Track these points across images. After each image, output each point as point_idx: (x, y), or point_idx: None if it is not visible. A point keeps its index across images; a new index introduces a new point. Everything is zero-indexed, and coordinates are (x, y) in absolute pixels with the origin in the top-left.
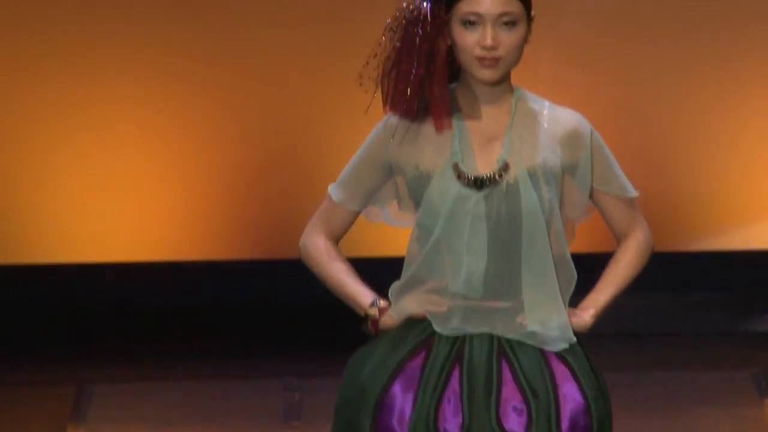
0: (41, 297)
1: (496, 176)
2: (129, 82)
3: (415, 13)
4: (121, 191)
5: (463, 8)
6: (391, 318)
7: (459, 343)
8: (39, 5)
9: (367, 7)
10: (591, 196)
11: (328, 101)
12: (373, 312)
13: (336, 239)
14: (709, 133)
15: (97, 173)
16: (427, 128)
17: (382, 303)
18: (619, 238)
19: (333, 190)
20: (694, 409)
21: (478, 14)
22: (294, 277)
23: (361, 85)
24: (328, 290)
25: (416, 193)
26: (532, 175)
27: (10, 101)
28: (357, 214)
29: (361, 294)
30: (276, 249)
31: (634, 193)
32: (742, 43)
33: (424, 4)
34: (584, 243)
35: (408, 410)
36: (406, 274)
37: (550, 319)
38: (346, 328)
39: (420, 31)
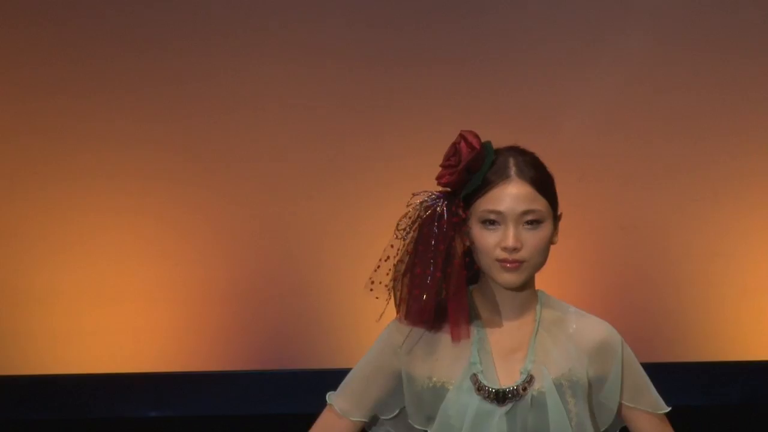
0: (36, 408)
1: (521, 389)
2: (125, 193)
3: (431, 211)
4: (115, 305)
5: (482, 206)
6: None
7: None
8: (34, 109)
9: (366, 123)
10: (619, 412)
11: (329, 220)
12: None
13: None
14: (704, 244)
15: (91, 286)
16: (443, 334)
17: None
18: None
19: (335, 400)
20: None
21: (499, 213)
22: (291, 385)
23: (371, 290)
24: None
25: (429, 406)
26: (559, 387)
27: (4, 211)
28: (359, 425)
29: None
30: (269, 361)
31: (665, 408)
32: (741, 155)
33: (441, 201)
34: None
35: None
36: None
37: None
38: None
39: (436, 231)
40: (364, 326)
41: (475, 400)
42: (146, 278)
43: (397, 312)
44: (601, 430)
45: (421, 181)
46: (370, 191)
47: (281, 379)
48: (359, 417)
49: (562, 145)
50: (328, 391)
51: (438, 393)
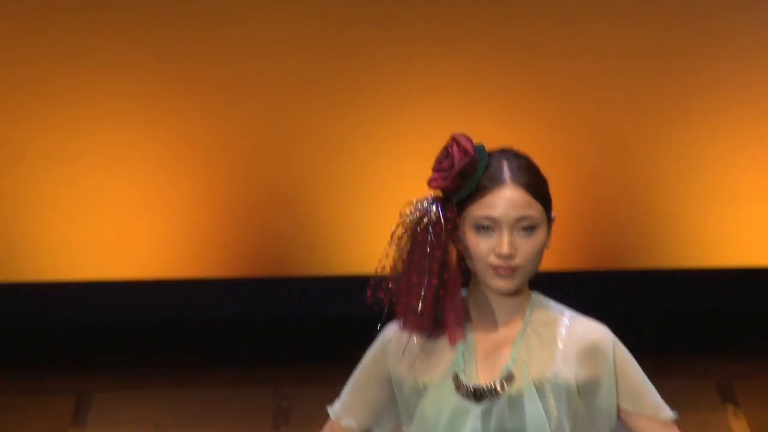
0: (44, 313)
1: (498, 388)
2: (123, 111)
3: (425, 218)
4: (120, 213)
5: (476, 211)
6: None
7: None
8: (42, 28)
9: (364, 42)
10: (619, 417)
11: (323, 132)
12: None
13: None
14: (682, 160)
15: (98, 196)
16: (432, 338)
17: None
18: None
19: (333, 409)
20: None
21: (493, 219)
22: (282, 293)
23: (371, 302)
24: (313, 306)
25: (412, 406)
26: (540, 388)
27: (13, 119)
28: None
29: None
30: (265, 267)
31: (669, 414)
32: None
33: (434, 207)
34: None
35: None
36: None
37: None
38: (332, 341)
39: (431, 238)
40: (354, 235)
41: (453, 399)
42: (144, 191)
43: (397, 321)
44: None
45: (411, 98)
46: (364, 104)
47: (271, 285)
48: (355, 425)
49: (543, 67)
50: (320, 296)
51: (421, 394)
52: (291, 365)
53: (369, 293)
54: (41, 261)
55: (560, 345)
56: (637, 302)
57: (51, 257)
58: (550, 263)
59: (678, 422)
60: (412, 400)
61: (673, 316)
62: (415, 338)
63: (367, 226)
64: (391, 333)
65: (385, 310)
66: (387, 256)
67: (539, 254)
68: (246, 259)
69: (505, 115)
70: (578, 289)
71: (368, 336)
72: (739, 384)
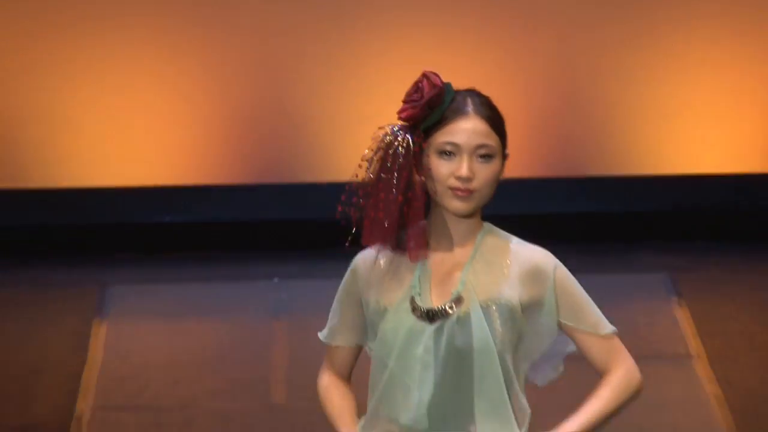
0: (72, 215)
1: (448, 309)
2: (137, 25)
3: (394, 142)
4: (139, 127)
5: (440, 138)
6: None
7: None
8: None
9: None
10: (566, 333)
11: (320, 57)
12: None
13: (343, 374)
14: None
15: (121, 113)
16: (394, 263)
17: None
18: (601, 374)
19: (323, 335)
20: (614, 306)
21: (455, 144)
22: (281, 197)
23: (338, 218)
24: (308, 209)
25: (375, 327)
26: (486, 309)
27: (33, 41)
28: (354, 349)
29: (343, 430)
30: (264, 174)
31: (608, 329)
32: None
33: (402, 132)
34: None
35: None
36: (369, 407)
37: None
38: (325, 239)
39: (399, 159)
40: (349, 143)
41: (409, 320)
42: (159, 107)
43: (363, 236)
44: (545, 349)
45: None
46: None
47: (271, 189)
48: (346, 343)
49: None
50: (315, 199)
51: (382, 315)
52: (289, 261)
53: (339, 209)
54: (72, 169)
55: (506, 269)
56: (595, 205)
57: (82, 166)
58: (519, 171)
59: (617, 335)
60: (375, 321)
61: (626, 219)
62: (381, 262)
63: (354, 138)
64: (360, 260)
65: (354, 225)
66: (356, 176)
67: (494, 182)
68: (248, 167)
69: (474, 47)
70: (546, 195)
71: (356, 235)
72: (682, 278)
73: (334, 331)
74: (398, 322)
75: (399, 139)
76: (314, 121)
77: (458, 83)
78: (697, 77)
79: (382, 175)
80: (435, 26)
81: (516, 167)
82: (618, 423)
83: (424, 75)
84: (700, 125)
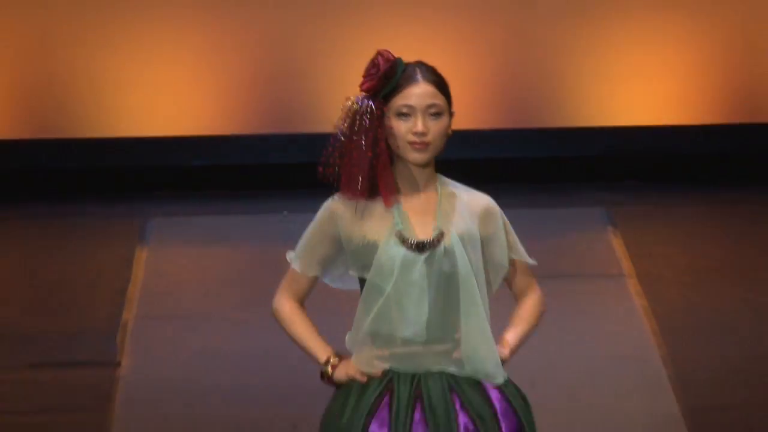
0: (119, 159)
1: (435, 241)
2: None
3: (360, 108)
4: (171, 82)
5: (397, 102)
6: (343, 372)
7: (416, 383)
8: None
9: None
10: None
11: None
12: (327, 369)
13: (301, 300)
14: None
15: (157, 70)
16: (371, 205)
17: (334, 360)
18: (518, 297)
19: (293, 261)
20: (561, 234)
21: (410, 106)
22: (290, 144)
23: (320, 176)
24: (314, 153)
25: (364, 258)
26: (462, 241)
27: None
28: (316, 279)
29: (319, 351)
30: (278, 125)
31: (532, 261)
32: None
33: (366, 101)
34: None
35: None
36: (360, 329)
37: (487, 358)
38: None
39: (366, 122)
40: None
41: (401, 251)
42: (188, 67)
43: (340, 188)
44: (497, 282)
45: None
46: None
47: (282, 138)
48: (312, 273)
49: None
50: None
51: (371, 247)
52: (297, 198)
53: (320, 170)
54: (120, 122)
55: (465, 211)
56: (546, 151)
57: (128, 119)
58: (484, 124)
59: (535, 268)
60: (365, 253)
61: (571, 163)
62: (358, 204)
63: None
64: (338, 203)
65: (333, 180)
66: (331, 141)
67: (444, 135)
68: (263, 119)
69: (444, 21)
70: (506, 142)
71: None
72: (617, 211)
73: (305, 261)
74: (392, 252)
75: (363, 106)
76: (320, 79)
77: (434, 48)
78: (630, 45)
79: (353, 137)
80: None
81: (481, 120)
82: (563, 330)
83: (379, 53)
84: (633, 85)
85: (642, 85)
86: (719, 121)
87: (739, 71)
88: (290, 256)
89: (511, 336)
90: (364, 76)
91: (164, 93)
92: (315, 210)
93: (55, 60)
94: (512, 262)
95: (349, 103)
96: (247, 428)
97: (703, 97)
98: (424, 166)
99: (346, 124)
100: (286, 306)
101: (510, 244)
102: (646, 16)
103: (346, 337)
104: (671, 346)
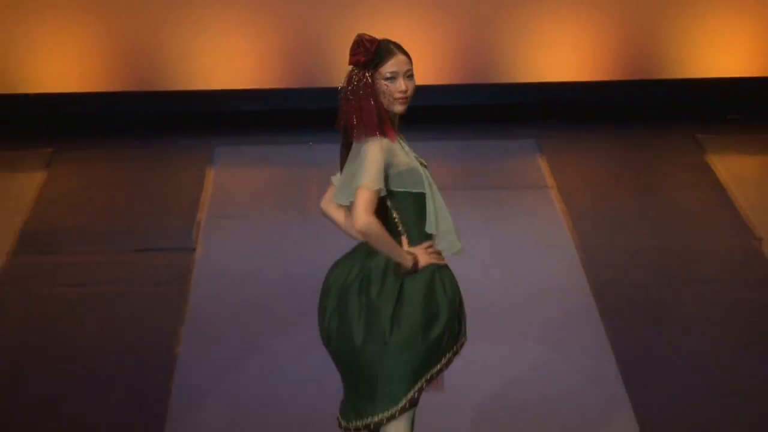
0: (193, 105)
1: (425, 163)
2: None
3: (358, 75)
4: (232, 49)
5: (384, 70)
6: (425, 260)
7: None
8: None
9: None
10: None
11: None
12: (412, 266)
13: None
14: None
15: (215, 39)
16: (395, 147)
17: (415, 257)
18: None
19: (373, 186)
20: (501, 160)
21: (394, 71)
22: (313, 95)
23: (336, 126)
24: (329, 102)
25: (407, 177)
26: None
27: None
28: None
29: (404, 253)
30: (308, 80)
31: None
32: None
33: (361, 70)
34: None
35: None
36: (430, 224)
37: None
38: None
39: (365, 80)
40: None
41: (420, 168)
42: (239, 32)
43: (369, 132)
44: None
45: None
46: None
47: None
48: (382, 192)
49: None
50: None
51: (415, 167)
52: (318, 132)
53: (336, 121)
54: (194, 76)
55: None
56: (493, 100)
57: (199, 74)
58: (444, 80)
59: (480, 180)
60: (407, 171)
61: (511, 108)
62: (388, 144)
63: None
64: (383, 141)
65: (346, 128)
66: (340, 99)
67: (413, 91)
68: (295, 76)
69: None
70: (466, 94)
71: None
72: (544, 142)
73: (378, 184)
74: (418, 169)
75: (359, 75)
76: (343, 40)
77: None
78: (553, 20)
79: (356, 96)
80: None
81: (441, 76)
82: (500, 225)
83: (359, 35)
84: (557, 46)
85: (565, 50)
86: (617, 77)
87: (634, 37)
88: (366, 185)
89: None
90: (352, 54)
91: (227, 57)
92: (332, 141)
93: (151, 29)
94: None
95: (349, 72)
96: (296, 302)
97: (605, 59)
98: (402, 115)
99: (349, 88)
100: (376, 222)
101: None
102: None
103: (404, 240)
104: (583, 238)
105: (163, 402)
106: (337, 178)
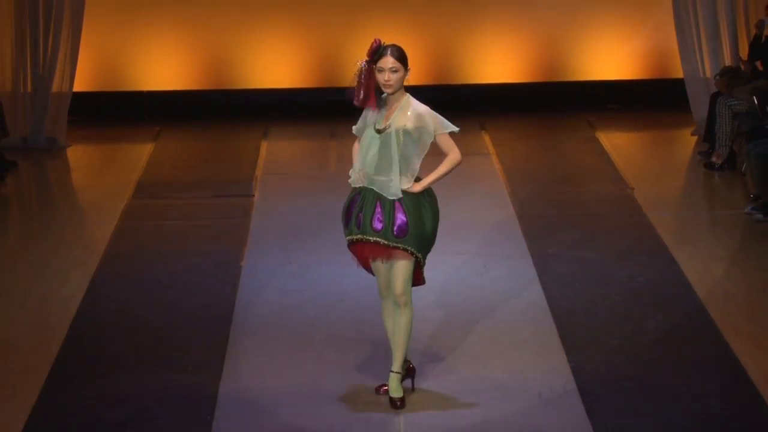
0: (247, 100)
1: (384, 130)
2: None
3: (366, 66)
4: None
5: (378, 65)
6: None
7: (366, 192)
8: None
9: None
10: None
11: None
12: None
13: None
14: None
15: (240, 35)
16: (373, 112)
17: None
18: (445, 154)
19: (356, 131)
20: (458, 134)
21: (382, 68)
22: (334, 93)
23: (347, 98)
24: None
25: (363, 131)
26: (398, 132)
27: None
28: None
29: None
30: (318, 80)
31: (455, 128)
32: None
33: (368, 63)
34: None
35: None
36: (356, 162)
37: (391, 187)
38: (349, 106)
39: (367, 73)
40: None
41: (372, 133)
42: (262, 34)
43: (360, 103)
44: (425, 148)
45: None
46: None
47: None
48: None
49: None
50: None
51: (368, 128)
52: (342, 117)
53: (347, 94)
54: (234, 75)
55: (410, 114)
56: (455, 94)
57: (257, 74)
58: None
59: (455, 134)
60: (364, 129)
61: (464, 97)
62: (372, 111)
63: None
64: (367, 110)
65: (354, 98)
66: (353, 80)
67: (401, 80)
68: (317, 74)
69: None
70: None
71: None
72: (487, 121)
73: (360, 131)
74: (369, 132)
75: (366, 67)
76: (358, 39)
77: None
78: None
79: (362, 78)
80: None
81: (421, 77)
82: (453, 184)
83: (375, 40)
84: (495, 48)
85: (497, 52)
86: (537, 80)
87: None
88: (448, 127)
89: (426, 179)
90: (367, 53)
91: (275, 64)
92: (347, 124)
93: (219, 32)
94: (438, 137)
95: (359, 64)
96: (332, 225)
97: (526, 65)
98: (392, 94)
99: (359, 74)
100: (355, 146)
101: (435, 126)
102: None
103: (350, 171)
104: (516, 192)
105: (230, 298)
106: (355, 129)
